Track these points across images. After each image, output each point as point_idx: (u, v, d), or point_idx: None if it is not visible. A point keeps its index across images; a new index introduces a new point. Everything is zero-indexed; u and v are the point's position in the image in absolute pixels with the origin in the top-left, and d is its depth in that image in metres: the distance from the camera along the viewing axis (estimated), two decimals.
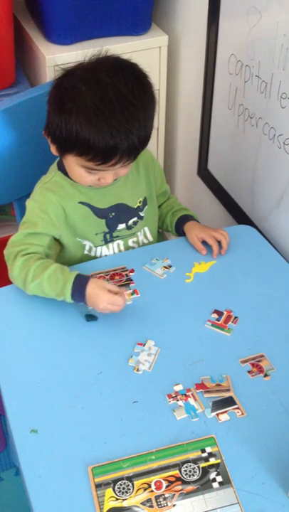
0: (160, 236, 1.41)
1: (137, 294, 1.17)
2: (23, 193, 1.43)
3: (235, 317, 1.13)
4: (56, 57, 1.52)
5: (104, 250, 1.27)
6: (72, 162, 1.12)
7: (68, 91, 1.07)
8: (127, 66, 1.11)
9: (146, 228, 1.31)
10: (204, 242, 1.28)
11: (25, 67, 1.72)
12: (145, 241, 1.32)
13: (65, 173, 1.21)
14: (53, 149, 1.15)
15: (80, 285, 1.10)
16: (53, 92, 1.11)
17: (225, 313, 1.14)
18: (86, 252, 1.26)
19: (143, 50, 1.60)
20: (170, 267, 1.24)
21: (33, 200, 1.20)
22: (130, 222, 1.27)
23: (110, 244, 1.27)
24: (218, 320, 1.13)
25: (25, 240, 1.17)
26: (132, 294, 1.17)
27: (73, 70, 1.10)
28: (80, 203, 1.21)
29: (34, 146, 1.37)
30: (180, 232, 1.33)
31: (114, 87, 1.05)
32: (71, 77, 1.09)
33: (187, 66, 1.66)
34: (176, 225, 1.33)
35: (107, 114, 1.04)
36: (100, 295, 1.08)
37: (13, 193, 1.43)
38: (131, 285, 1.19)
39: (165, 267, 1.24)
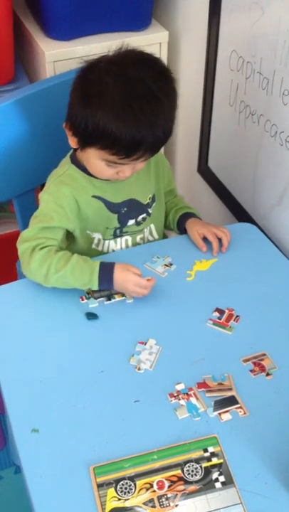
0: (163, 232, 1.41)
1: None
2: (23, 190, 1.42)
3: (237, 315, 1.12)
4: (55, 53, 1.51)
5: (111, 245, 1.26)
6: (93, 155, 1.12)
7: (94, 84, 1.07)
8: (152, 60, 1.11)
9: (152, 225, 1.31)
10: (206, 240, 1.27)
11: (24, 63, 1.71)
12: (150, 238, 1.32)
13: (79, 167, 1.20)
14: (73, 142, 1.14)
15: (106, 272, 1.13)
16: (78, 84, 1.10)
17: (226, 311, 1.13)
18: (94, 246, 1.26)
19: (143, 46, 1.56)
20: (171, 265, 1.23)
21: (48, 194, 1.20)
22: (140, 218, 1.27)
23: (118, 239, 1.27)
24: (219, 318, 1.12)
25: (40, 234, 1.16)
26: None
27: (97, 63, 1.10)
28: (94, 196, 1.21)
29: (34, 144, 1.37)
30: (182, 229, 1.32)
31: (141, 82, 1.05)
32: (97, 70, 1.08)
33: (188, 62, 1.65)
34: (178, 222, 1.33)
35: (134, 108, 1.04)
36: (127, 278, 1.12)
37: (13, 190, 1.42)
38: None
39: (166, 265, 1.23)
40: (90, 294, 1.16)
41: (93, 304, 1.14)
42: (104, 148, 1.08)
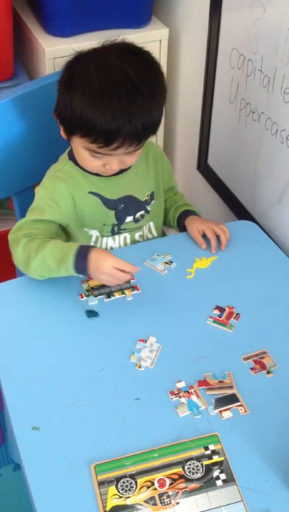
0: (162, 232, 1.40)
1: (138, 290, 1.16)
2: (22, 186, 1.42)
3: (237, 313, 1.12)
4: (55, 50, 1.51)
5: (110, 242, 1.26)
6: (78, 144, 1.12)
7: (77, 71, 1.07)
8: (138, 52, 1.11)
9: (151, 223, 1.30)
10: (205, 237, 1.27)
11: (23, 60, 1.70)
12: (149, 236, 1.32)
13: (76, 163, 1.20)
14: (62, 132, 1.15)
15: (83, 251, 1.10)
16: (64, 71, 1.11)
17: (227, 309, 1.13)
18: (92, 243, 1.25)
19: (143, 43, 1.55)
20: (171, 262, 1.23)
21: (43, 188, 1.20)
22: (138, 215, 1.26)
23: (116, 237, 1.26)
24: (220, 316, 1.12)
25: (32, 225, 1.17)
26: (133, 290, 1.16)
27: (86, 53, 1.10)
28: (90, 193, 1.21)
29: (34, 141, 1.36)
30: (182, 227, 1.32)
31: (122, 70, 1.05)
32: (82, 59, 1.09)
33: (188, 59, 1.64)
34: (178, 220, 1.33)
35: (111, 96, 1.03)
36: (105, 256, 1.08)
37: (12, 187, 1.42)
38: (131, 281, 1.18)
39: (166, 262, 1.23)
40: (89, 291, 1.15)
41: (93, 302, 1.14)
42: (83, 136, 1.08)
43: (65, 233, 1.25)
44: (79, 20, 1.52)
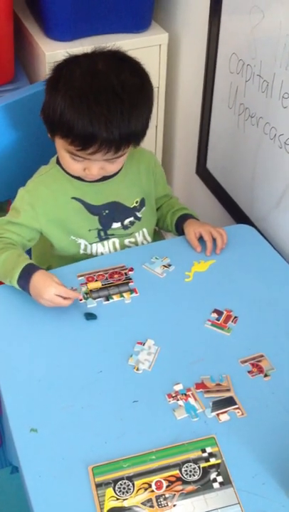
0: (156, 235, 1.40)
1: (136, 293, 1.17)
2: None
3: (235, 317, 1.13)
4: (56, 54, 1.51)
5: (99, 248, 1.26)
6: (59, 145, 1.13)
7: (64, 72, 1.09)
8: (126, 60, 1.12)
9: (144, 230, 1.31)
10: (202, 241, 1.27)
11: (24, 64, 1.71)
12: (144, 242, 1.32)
13: (62, 168, 1.21)
14: (48, 132, 1.16)
15: (28, 270, 1.11)
16: (52, 72, 1.13)
17: (225, 312, 1.14)
18: (82, 251, 1.26)
19: (143, 48, 1.59)
20: (169, 265, 1.24)
21: (25, 190, 1.22)
22: (126, 221, 1.27)
23: (105, 242, 1.27)
24: (217, 319, 1.12)
25: (6, 226, 1.20)
26: (131, 293, 1.17)
27: (76, 56, 1.12)
28: (73, 198, 1.22)
29: (33, 144, 1.37)
30: (180, 231, 1.32)
31: (106, 76, 1.06)
32: (71, 62, 1.11)
33: (187, 64, 1.65)
34: (176, 224, 1.33)
35: (90, 100, 1.04)
36: (47, 283, 1.08)
37: (11, 190, 1.42)
38: (130, 284, 1.19)
39: (165, 265, 1.24)
40: (88, 293, 1.16)
41: (91, 304, 1.14)
42: (63, 137, 1.09)
43: (49, 243, 1.26)
44: (79, 24, 1.53)
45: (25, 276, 1.11)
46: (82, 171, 1.15)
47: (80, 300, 1.14)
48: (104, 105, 1.04)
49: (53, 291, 1.07)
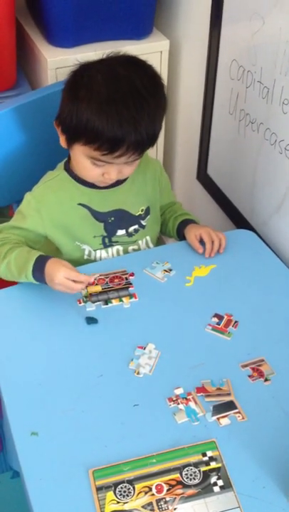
0: (158, 241, 1.41)
1: (136, 298, 1.17)
2: (23, 195, 1.42)
3: (236, 321, 1.13)
4: (58, 60, 1.52)
5: (103, 254, 1.27)
6: (79, 152, 1.13)
7: (84, 79, 1.09)
8: (142, 64, 1.13)
9: (148, 237, 1.31)
10: (203, 244, 1.28)
11: (26, 70, 1.72)
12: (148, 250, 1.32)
13: (70, 174, 1.21)
14: (62, 141, 1.16)
15: (41, 261, 1.12)
16: (69, 80, 1.13)
17: (225, 317, 1.14)
18: (86, 256, 1.26)
19: (144, 55, 1.58)
20: (170, 270, 1.24)
21: (32, 196, 1.22)
22: (131, 229, 1.27)
23: (109, 249, 1.27)
24: (218, 324, 1.13)
25: (11, 230, 1.21)
26: (130, 298, 1.17)
27: (91, 63, 1.13)
28: (80, 204, 1.22)
29: (35, 149, 1.38)
30: (181, 236, 1.33)
31: (129, 80, 1.07)
32: (88, 68, 1.11)
33: (188, 71, 1.66)
34: (177, 229, 1.34)
35: (118, 103, 1.05)
36: (57, 267, 1.09)
37: (13, 195, 1.43)
38: (130, 289, 1.19)
39: (165, 270, 1.24)
40: (87, 297, 1.16)
41: (90, 308, 1.14)
42: (87, 143, 1.09)
43: (54, 247, 1.26)
44: (81, 31, 1.54)
45: (39, 267, 1.11)
46: (100, 176, 1.15)
47: (93, 284, 1.15)
48: (132, 108, 1.06)
49: (62, 275, 1.08)
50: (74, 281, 1.09)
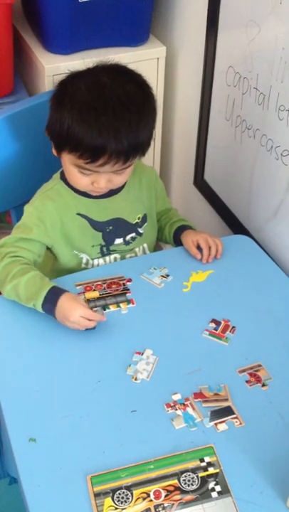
0: (155, 248, 1.41)
1: (133, 303, 1.17)
2: (21, 200, 1.43)
3: (233, 327, 1.14)
4: (55, 67, 1.53)
5: (100, 263, 1.27)
6: (66, 161, 1.14)
7: (68, 87, 1.10)
8: (129, 72, 1.14)
9: (145, 245, 1.32)
10: (200, 250, 1.28)
11: (23, 77, 1.72)
12: None
13: (66, 183, 1.21)
14: (53, 149, 1.16)
15: (55, 293, 1.09)
16: (56, 89, 1.14)
17: (222, 322, 1.14)
18: (83, 265, 1.27)
19: (141, 61, 1.61)
20: (168, 276, 1.25)
21: (33, 207, 1.21)
22: (128, 237, 1.27)
23: (107, 258, 1.27)
24: (215, 329, 1.13)
25: (16, 243, 1.18)
26: (128, 303, 1.17)
27: (79, 72, 1.13)
28: (78, 214, 1.22)
29: (33, 155, 1.38)
30: (178, 242, 1.33)
31: (111, 88, 1.08)
32: (75, 77, 1.12)
33: (185, 77, 1.67)
34: (174, 235, 1.34)
35: (98, 111, 1.05)
36: (74, 306, 1.07)
37: (11, 201, 1.43)
38: (127, 295, 1.19)
39: (163, 276, 1.24)
40: (85, 303, 1.16)
41: None
42: (71, 151, 1.09)
43: (53, 254, 1.25)
44: (78, 38, 1.55)
45: (52, 299, 1.09)
46: (90, 186, 1.15)
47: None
48: (112, 116, 1.05)
49: (78, 313, 1.07)
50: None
